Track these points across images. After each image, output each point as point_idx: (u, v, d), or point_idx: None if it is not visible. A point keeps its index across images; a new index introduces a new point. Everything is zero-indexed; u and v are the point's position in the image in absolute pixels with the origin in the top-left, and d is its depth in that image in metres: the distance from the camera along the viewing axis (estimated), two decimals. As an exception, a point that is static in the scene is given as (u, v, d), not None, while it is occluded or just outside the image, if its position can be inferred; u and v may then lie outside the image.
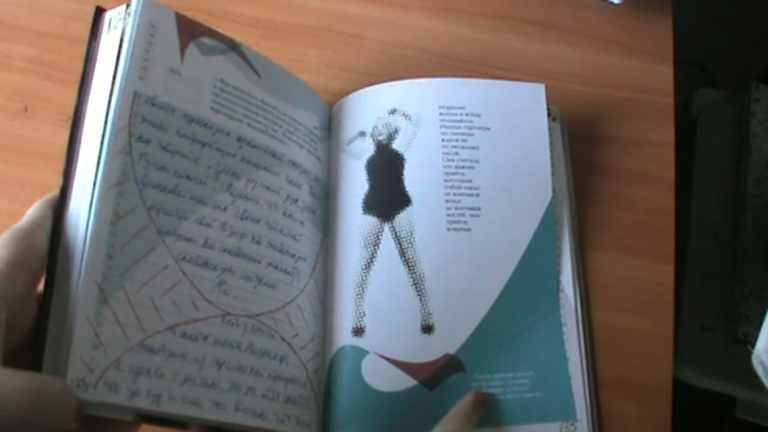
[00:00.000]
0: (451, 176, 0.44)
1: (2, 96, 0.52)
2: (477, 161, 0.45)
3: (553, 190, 0.45)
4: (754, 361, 0.44)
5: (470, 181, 0.44)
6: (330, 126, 0.47)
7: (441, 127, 0.45)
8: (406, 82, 0.46)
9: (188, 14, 0.40)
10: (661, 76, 0.53)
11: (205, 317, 0.36)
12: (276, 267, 0.39)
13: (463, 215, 0.43)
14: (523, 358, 0.42)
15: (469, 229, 0.43)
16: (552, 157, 0.46)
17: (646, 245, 0.48)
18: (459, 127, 0.45)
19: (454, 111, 0.46)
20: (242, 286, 0.37)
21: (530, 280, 0.43)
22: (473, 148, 0.45)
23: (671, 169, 0.50)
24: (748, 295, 0.62)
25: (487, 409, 0.40)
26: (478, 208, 0.44)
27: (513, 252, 0.43)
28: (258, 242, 0.39)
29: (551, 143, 0.46)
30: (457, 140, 0.45)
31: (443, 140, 0.45)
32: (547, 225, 0.44)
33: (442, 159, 0.44)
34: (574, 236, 0.45)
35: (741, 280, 0.63)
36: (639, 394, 0.44)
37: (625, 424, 0.43)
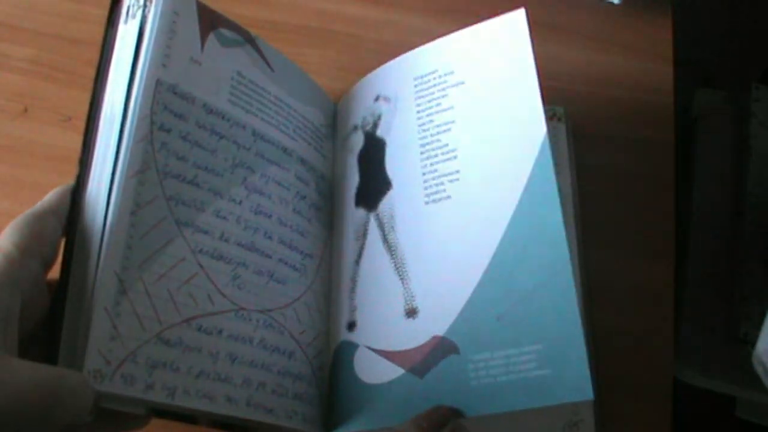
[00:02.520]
0: (427, 146, 0.41)
1: (2, 96, 0.51)
2: (452, 122, 0.41)
3: (551, 137, 0.39)
4: (755, 361, 0.44)
5: (446, 145, 0.41)
6: (334, 124, 0.48)
7: (416, 98, 0.43)
8: (386, 64, 0.46)
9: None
10: (661, 76, 0.53)
11: (220, 311, 0.36)
12: (286, 263, 0.39)
13: (441, 183, 0.40)
14: (528, 330, 0.35)
15: (449, 197, 0.40)
16: (557, 157, 0.45)
17: (646, 245, 0.48)
18: (433, 93, 0.43)
19: (428, 77, 0.43)
20: (255, 281, 0.38)
21: (529, 235, 0.37)
22: (447, 109, 0.42)
23: (671, 169, 0.50)
24: (748, 295, 0.62)
25: (485, 394, 0.35)
26: (457, 171, 0.40)
27: (504, 206, 0.38)
28: (270, 237, 0.39)
29: (557, 143, 0.46)
30: (431, 107, 0.42)
31: (418, 111, 0.43)
32: (544, 166, 0.37)
33: (418, 131, 0.42)
34: (578, 235, 0.45)
35: (741, 280, 0.62)
36: (639, 394, 0.44)
37: (625, 424, 0.43)
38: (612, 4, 0.55)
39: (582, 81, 0.53)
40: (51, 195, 0.33)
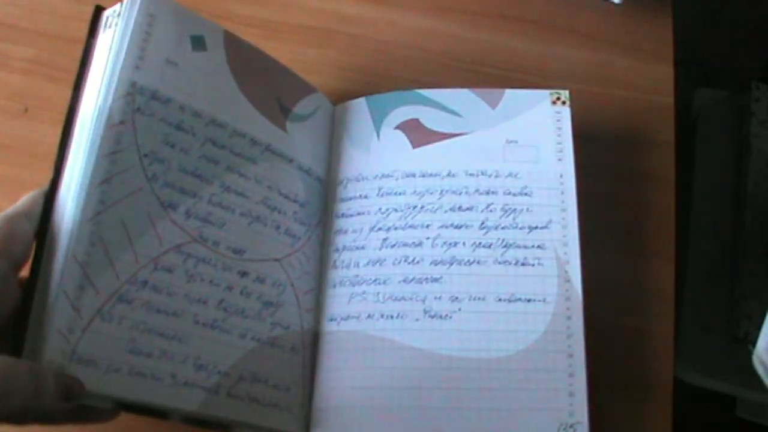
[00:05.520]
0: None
1: (2, 96, 0.51)
2: None
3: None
4: (755, 361, 0.44)
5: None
6: (333, 121, 0.48)
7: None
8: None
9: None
10: (661, 76, 0.53)
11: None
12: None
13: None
14: None
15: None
16: (562, 142, 0.45)
17: (646, 245, 0.48)
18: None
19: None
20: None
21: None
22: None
23: (671, 169, 0.50)
24: (748, 295, 0.62)
25: None
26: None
27: None
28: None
29: (561, 128, 0.45)
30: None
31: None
32: None
33: None
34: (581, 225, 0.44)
35: (741, 280, 0.63)
36: (639, 394, 0.44)
37: (625, 424, 0.43)
38: (612, 3, 0.55)
39: (582, 81, 0.53)
40: (24, 198, 0.34)
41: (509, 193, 0.44)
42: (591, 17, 0.55)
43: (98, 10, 0.38)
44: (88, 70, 0.37)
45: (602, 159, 0.50)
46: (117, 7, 0.38)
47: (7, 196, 0.49)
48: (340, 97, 0.48)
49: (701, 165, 0.70)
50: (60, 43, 0.53)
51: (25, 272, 0.33)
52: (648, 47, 0.54)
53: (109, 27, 0.37)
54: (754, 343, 0.44)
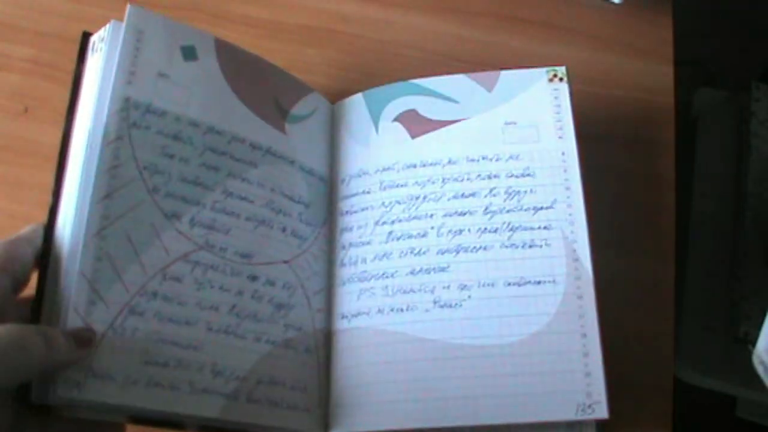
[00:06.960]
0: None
1: (2, 96, 0.51)
2: None
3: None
4: (755, 361, 0.44)
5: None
6: (332, 120, 0.48)
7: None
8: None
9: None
10: (661, 76, 0.53)
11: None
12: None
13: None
14: None
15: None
16: (561, 119, 0.45)
17: (646, 245, 0.48)
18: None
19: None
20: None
21: None
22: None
23: (671, 169, 0.50)
24: (748, 295, 0.62)
25: None
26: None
27: None
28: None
29: (560, 105, 0.45)
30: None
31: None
32: None
33: None
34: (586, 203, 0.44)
35: (741, 280, 0.63)
36: (639, 394, 0.44)
37: (625, 424, 0.43)
38: (612, 4, 0.55)
39: (582, 81, 0.53)
40: (26, 228, 0.35)
41: (512, 176, 0.44)
42: (591, 17, 0.55)
43: (86, 37, 0.39)
44: (80, 95, 0.38)
45: (602, 159, 0.50)
46: (102, 32, 0.38)
47: (7, 196, 0.49)
48: (341, 97, 0.48)
49: (701, 165, 0.70)
50: (60, 43, 0.53)
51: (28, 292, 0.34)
52: (648, 47, 0.54)
53: (96, 51, 0.38)
54: (754, 343, 0.44)
